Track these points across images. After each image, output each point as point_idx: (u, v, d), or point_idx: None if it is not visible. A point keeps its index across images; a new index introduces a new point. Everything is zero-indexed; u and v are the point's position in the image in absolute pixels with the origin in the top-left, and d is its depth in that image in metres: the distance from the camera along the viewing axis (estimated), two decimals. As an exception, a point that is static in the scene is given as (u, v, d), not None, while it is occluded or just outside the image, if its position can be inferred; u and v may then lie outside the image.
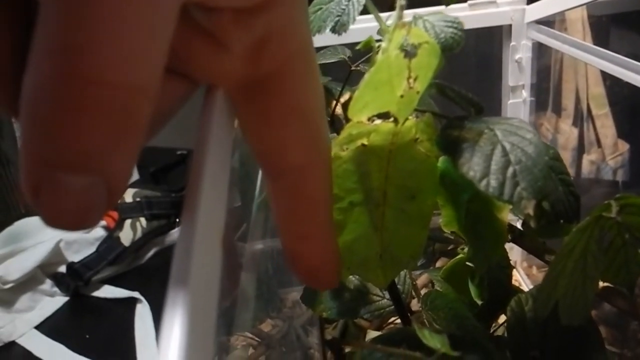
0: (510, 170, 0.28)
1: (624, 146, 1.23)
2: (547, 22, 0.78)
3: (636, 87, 0.57)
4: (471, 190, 0.36)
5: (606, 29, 1.12)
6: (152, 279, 0.95)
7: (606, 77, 1.18)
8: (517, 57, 0.78)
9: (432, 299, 0.42)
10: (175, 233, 1.03)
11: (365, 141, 0.32)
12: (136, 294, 0.89)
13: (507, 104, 0.81)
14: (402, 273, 0.44)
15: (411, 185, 0.35)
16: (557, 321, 0.38)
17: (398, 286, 0.42)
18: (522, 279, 0.86)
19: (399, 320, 0.51)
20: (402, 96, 0.28)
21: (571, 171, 1.23)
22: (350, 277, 0.44)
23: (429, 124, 0.32)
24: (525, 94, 0.80)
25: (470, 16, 0.75)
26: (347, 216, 0.35)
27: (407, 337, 0.32)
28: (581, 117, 1.17)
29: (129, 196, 1.03)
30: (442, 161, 0.38)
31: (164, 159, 1.23)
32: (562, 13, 0.86)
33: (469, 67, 0.97)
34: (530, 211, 0.26)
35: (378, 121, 0.30)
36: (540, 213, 0.36)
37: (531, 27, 0.76)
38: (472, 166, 0.28)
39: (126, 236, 0.97)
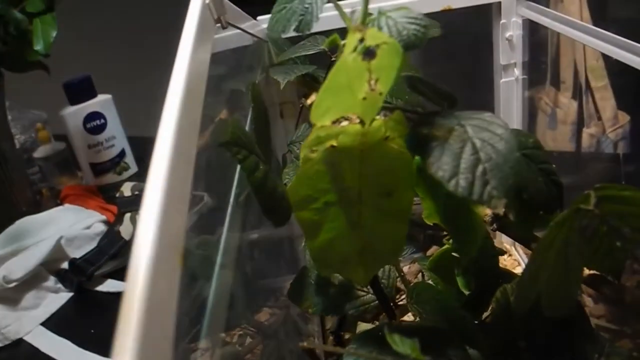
0: (480, 168, 0.27)
1: (624, 118, 1.21)
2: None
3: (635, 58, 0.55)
4: (448, 184, 0.36)
5: (604, 3, 1.09)
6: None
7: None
8: (507, 34, 0.77)
9: (418, 292, 0.42)
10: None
11: (334, 142, 0.31)
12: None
13: (499, 83, 0.80)
14: (387, 267, 0.44)
15: (386, 182, 0.34)
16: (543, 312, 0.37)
17: (382, 280, 0.42)
18: (521, 258, 0.85)
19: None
20: (364, 99, 0.27)
21: (571, 145, 1.22)
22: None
23: (399, 121, 0.31)
24: (517, 72, 0.79)
25: (459, -6, 0.73)
26: (323, 216, 0.35)
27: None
28: (580, 90, 1.15)
29: (127, 190, 1.03)
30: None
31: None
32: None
33: (460, 47, 0.95)
34: (501, 211, 0.26)
35: (345, 122, 0.30)
36: (521, 204, 0.36)
37: (521, 4, 0.75)
38: (441, 165, 0.28)
39: (126, 230, 0.98)
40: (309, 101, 0.30)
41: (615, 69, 1.14)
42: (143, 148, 1.21)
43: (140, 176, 1.12)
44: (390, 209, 0.35)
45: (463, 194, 0.27)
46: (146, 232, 0.22)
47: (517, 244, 0.87)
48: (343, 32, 0.57)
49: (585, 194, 0.33)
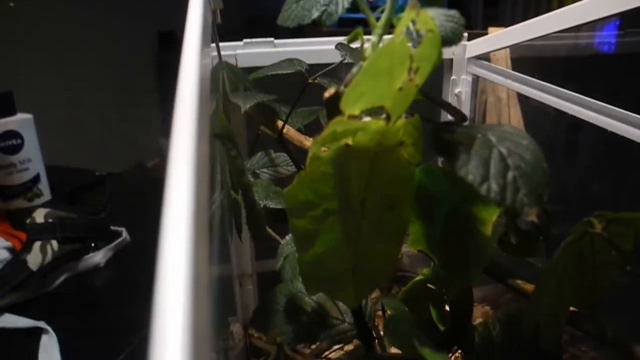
0: (510, 175, 0.26)
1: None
2: (482, 58, 0.80)
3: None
4: (450, 203, 0.35)
5: (525, 68, 1.18)
6: (61, 308, 0.86)
7: (527, 121, 1.24)
8: (456, 90, 0.80)
9: (395, 323, 0.39)
10: (89, 258, 0.95)
11: (349, 141, 0.29)
12: (42, 324, 0.80)
13: (446, 136, 0.81)
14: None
15: (390, 194, 0.32)
16: (525, 345, 0.36)
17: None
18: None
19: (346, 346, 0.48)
20: (400, 89, 0.26)
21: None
22: (307, 298, 0.41)
23: (416, 127, 0.30)
24: (464, 127, 0.81)
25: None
26: (320, 226, 0.32)
27: None
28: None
29: (40, 216, 0.93)
30: (417, 173, 0.37)
31: (81, 180, 1.14)
32: (487, 54, 0.90)
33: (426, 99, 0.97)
34: (534, 218, 0.25)
35: (367, 119, 0.28)
36: (516, 230, 0.35)
37: (471, 62, 0.78)
38: (471, 169, 0.26)
39: (34, 260, 0.88)
40: (327, 94, 0.28)
41: (536, 141, 1.22)
42: (60, 177, 1.12)
43: (55, 203, 1.02)
44: (389, 224, 0.33)
45: (495, 199, 0.26)
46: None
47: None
48: (318, 68, 0.56)
49: (585, 220, 0.33)
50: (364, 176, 0.31)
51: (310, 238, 0.32)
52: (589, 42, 1.42)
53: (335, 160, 0.30)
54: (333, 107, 0.28)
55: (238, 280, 0.81)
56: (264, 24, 0.80)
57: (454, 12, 0.29)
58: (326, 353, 0.54)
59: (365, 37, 0.31)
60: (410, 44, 0.25)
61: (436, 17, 0.28)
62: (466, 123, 0.34)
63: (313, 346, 0.61)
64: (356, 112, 0.26)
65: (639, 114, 0.56)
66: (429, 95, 0.34)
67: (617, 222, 0.31)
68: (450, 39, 0.28)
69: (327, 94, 0.28)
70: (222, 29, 0.69)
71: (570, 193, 1.28)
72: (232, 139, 0.32)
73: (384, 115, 0.27)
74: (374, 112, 0.28)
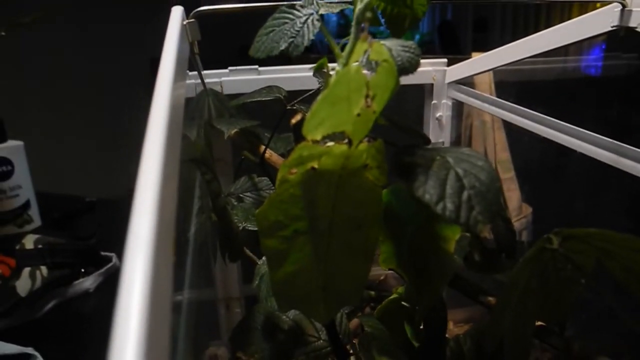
0: (465, 194, 0.28)
1: (527, 209, 1.31)
2: (463, 83, 0.83)
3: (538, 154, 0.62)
4: (415, 222, 0.36)
5: (507, 92, 1.21)
6: (50, 334, 0.86)
7: (512, 143, 1.27)
8: (437, 114, 0.82)
9: (370, 340, 0.40)
10: (78, 284, 0.95)
11: (315, 164, 0.30)
12: (30, 350, 0.80)
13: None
14: (339, 314, 0.43)
15: (358, 215, 0.34)
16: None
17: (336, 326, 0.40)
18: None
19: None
20: (358, 115, 0.27)
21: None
22: (284, 317, 0.42)
23: (379, 150, 0.31)
24: (445, 150, 0.83)
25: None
26: (290, 246, 0.33)
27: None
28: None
29: (30, 243, 0.94)
30: (385, 194, 0.38)
31: (71, 206, 1.15)
32: (471, 77, 0.92)
33: (392, 124, 0.99)
34: (487, 234, 0.26)
35: (330, 143, 0.30)
36: (482, 248, 0.36)
37: (451, 86, 0.80)
38: (428, 189, 0.28)
39: (23, 286, 0.89)
40: (293, 120, 0.30)
41: (521, 163, 1.25)
42: (50, 203, 1.13)
43: (45, 229, 1.03)
44: (357, 244, 0.34)
45: (450, 217, 0.27)
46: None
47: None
48: (301, 93, 0.58)
49: (545, 237, 0.35)
50: (330, 198, 0.32)
51: (281, 257, 0.34)
52: (576, 65, 1.45)
53: (302, 183, 0.31)
54: (299, 132, 0.30)
55: (224, 303, 0.82)
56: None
57: (410, 43, 0.31)
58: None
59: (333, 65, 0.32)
60: (368, 73, 0.27)
61: (393, 48, 0.30)
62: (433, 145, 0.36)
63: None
64: (318, 137, 0.28)
65: (621, 138, 0.57)
66: (393, 120, 0.35)
67: (575, 239, 0.33)
68: (407, 69, 0.30)
69: (293, 120, 0.30)
70: (214, 57, 0.71)
71: (554, 212, 1.30)
72: (207, 163, 0.33)
73: (346, 140, 0.29)
74: (338, 137, 0.30)
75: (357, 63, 0.26)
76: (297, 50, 0.33)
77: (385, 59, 0.26)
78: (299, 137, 0.30)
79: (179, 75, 0.32)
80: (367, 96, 0.27)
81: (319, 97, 0.26)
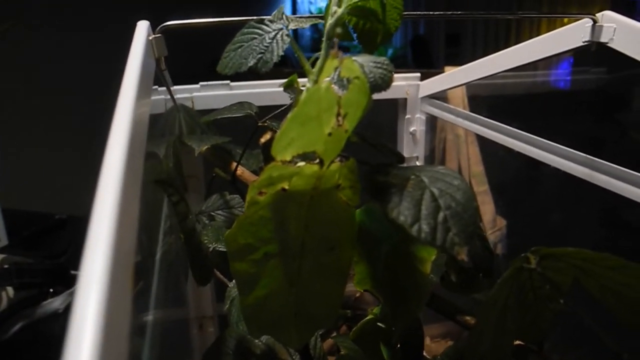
0: (441, 215, 0.27)
1: (502, 222, 1.32)
2: (436, 97, 0.83)
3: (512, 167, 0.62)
4: (390, 242, 0.35)
5: (481, 106, 1.22)
6: (17, 356, 0.83)
7: (485, 156, 1.28)
8: (411, 129, 0.81)
9: (345, 363, 0.39)
10: (47, 304, 0.92)
11: (286, 185, 0.29)
12: (-6, 376, 0.77)
13: (403, 174, 0.83)
14: (313, 337, 0.41)
15: (330, 235, 0.32)
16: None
17: (310, 350, 0.39)
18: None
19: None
20: (330, 134, 0.26)
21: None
22: (256, 341, 0.41)
23: (352, 170, 0.30)
24: (419, 165, 0.83)
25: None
26: (261, 269, 0.32)
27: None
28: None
29: (-6, 263, 0.91)
30: (358, 214, 0.37)
31: (39, 224, 1.12)
32: (444, 92, 0.92)
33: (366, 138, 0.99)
34: (464, 257, 0.25)
35: (301, 163, 0.29)
36: (459, 268, 0.35)
37: (425, 101, 0.80)
38: (402, 211, 0.27)
39: (-13, 308, 0.85)
40: (262, 139, 0.29)
41: (495, 176, 1.25)
42: (18, 221, 1.09)
43: (12, 248, 1.00)
44: (330, 265, 0.33)
45: (426, 240, 0.26)
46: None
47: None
48: (273, 109, 0.57)
49: (523, 256, 0.34)
50: (302, 219, 0.31)
51: (251, 281, 0.32)
52: (545, 79, 1.47)
53: (272, 205, 0.30)
54: (269, 152, 0.29)
55: (197, 322, 0.79)
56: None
57: (383, 59, 0.30)
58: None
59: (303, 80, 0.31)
60: (339, 90, 0.26)
61: (365, 64, 0.29)
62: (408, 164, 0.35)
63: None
64: (287, 157, 0.27)
65: (590, 150, 0.58)
66: (366, 138, 0.34)
67: (552, 257, 0.32)
68: (379, 85, 0.29)
69: (262, 139, 0.29)
70: (185, 72, 0.69)
71: (528, 225, 1.31)
72: (174, 183, 0.32)
73: (317, 160, 0.28)
74: (309, 156, 0.29)
75: (328, 80, 0.25)
76: (266, 66, 0.32)
77: (356, 76, 0.26)
78: (269, 157, 0.29)
79: (143, 92, 0.30)
80: (338, 115, 0.26)
81: (288, 116, 0.25)
